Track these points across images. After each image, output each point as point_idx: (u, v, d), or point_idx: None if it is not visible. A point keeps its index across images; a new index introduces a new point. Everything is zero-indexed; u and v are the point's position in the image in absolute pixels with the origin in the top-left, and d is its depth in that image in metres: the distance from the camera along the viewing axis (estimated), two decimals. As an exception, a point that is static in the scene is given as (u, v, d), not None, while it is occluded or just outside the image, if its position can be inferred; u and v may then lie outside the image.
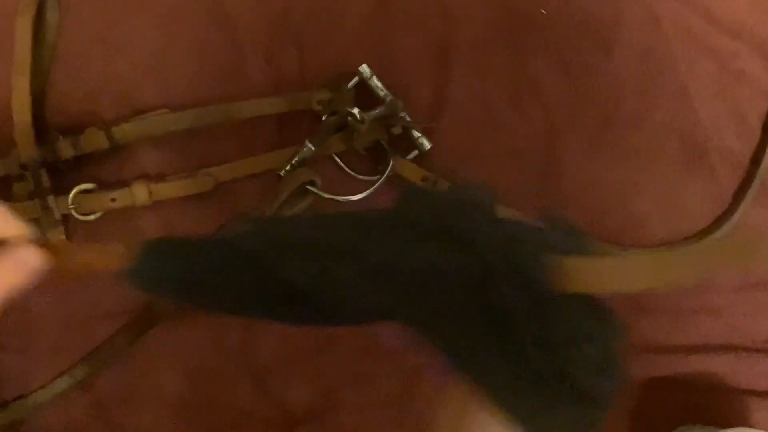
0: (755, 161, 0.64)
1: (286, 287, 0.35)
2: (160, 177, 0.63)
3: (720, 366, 0.63)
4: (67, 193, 0.61)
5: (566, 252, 0.33)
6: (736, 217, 0.64)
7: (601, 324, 0.34)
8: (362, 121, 0.60)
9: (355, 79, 0.63)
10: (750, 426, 0.61)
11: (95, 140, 0.60)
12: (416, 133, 0.63)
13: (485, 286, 0.33)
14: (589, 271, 0.33)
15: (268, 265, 0.35)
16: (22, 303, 0.61)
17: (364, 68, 0.62)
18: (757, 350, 0.64)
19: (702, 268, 0.32)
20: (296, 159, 0.61)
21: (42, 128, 0.61)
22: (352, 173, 0.63)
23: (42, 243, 0.36)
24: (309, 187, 0.61)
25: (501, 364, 0.33)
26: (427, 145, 0.63)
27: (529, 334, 0.32)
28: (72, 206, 0.61)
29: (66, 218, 0.62)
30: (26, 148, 0.59)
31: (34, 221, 0.60)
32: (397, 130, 0.63)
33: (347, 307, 0.36)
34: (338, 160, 0.63)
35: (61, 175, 0.62)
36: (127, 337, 0.61)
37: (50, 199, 0.61)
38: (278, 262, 0.35)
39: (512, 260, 0.33)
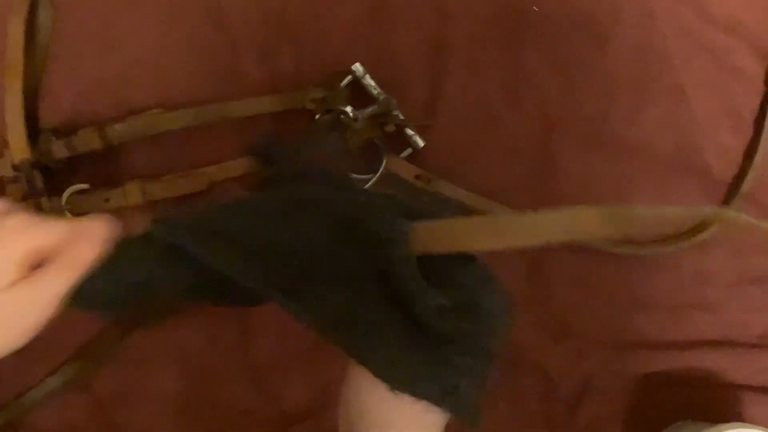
0: (748, 156, 0.64)
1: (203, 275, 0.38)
2: (155, 177, 0.62)
3: (715, 362, 0.64)
4: (61, 194, 0.61)
5: (424, 218, 0.37)
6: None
7: (465, 275, 0.37)
8: (355, 120, 0.60)
9: (349, 78, 0.62)
10: (745, 421, 0.61)
11: (89, 141, 0.60)
12: (410, 131, 0.63)
13: (343, 250, 0.36)
14: (439, 233, 0.37)
15: (186, 258, 0.38)
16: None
17: (357, 67, 0.62)
18: (753, 346, 0.64)
19: (542, 237, 0.36)
20: (290, 158, 0.61)
21: (35, 129, 0.61)
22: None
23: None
24: (303, 186, 0.61)
25: (365, 324, 0.36)
26: (421, 143, 0.63)
27: (384, 293, 0.36)
28: (66, 207, 0.61)
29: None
30: (19, 150, 0.59)
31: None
32: (390, 128, 0.62)
33: (245, 285, 0.37)
34: (333, 158, 0.63)
35: (55, 176, 0.62)
36: (116, 334, 0.61)
37: (44, 200, 0.61)
38: (196, 251, 0.38)
39: (367, 222, 0.37)
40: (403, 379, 0.35)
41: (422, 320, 0.36)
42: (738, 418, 0.62)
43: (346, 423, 0.39)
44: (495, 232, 0.36)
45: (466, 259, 0.38)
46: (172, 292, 0.39)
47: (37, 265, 0.36)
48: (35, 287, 0.36)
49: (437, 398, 0.36)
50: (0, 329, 0.35)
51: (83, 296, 0.37)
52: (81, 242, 0.37)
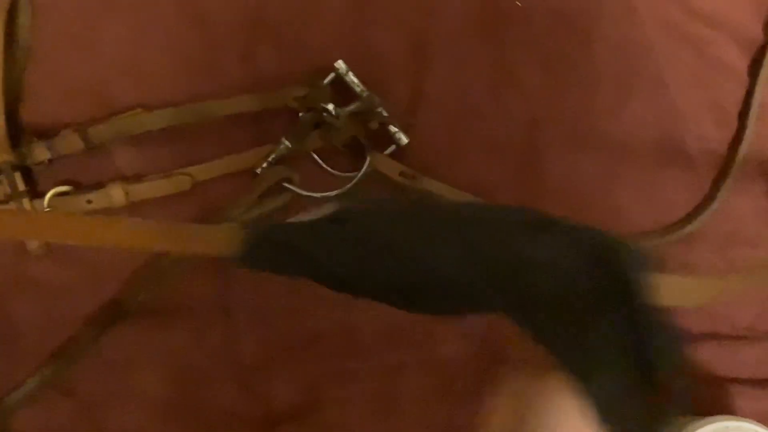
0: (733, 148, 0.64)
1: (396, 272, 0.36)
2: (137, 178, 0.62)
3: (702, 354, 0.64)
4: (43, 196, 0.61)
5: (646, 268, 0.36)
6: (715, 205, 0.64)
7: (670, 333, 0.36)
8: (337, 117, 0.60)
9: (332, 75, 0.62)
10: (732, 414, 0.61)
11: (70, 142, 0.60)
12: (393, 128, 0.63)
13: (585, 283, 0.35)
14: (669, 287, 0.37)
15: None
16: (2, 308, 0.61)
17: (340, 64, 0.62)
18: (739, 338, 0.64)
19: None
20: (273, 156, 0.61)
21: (16, 131, 0.61)
22: (330, 170, 0.63)
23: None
24: (286, 185, 0.61)
25: (588, 353, 0.35)
26: (405, 139, 0.63)
27: (620, 334, 0.34)
28: (48, 209, 0.61)
29: (43, 221, 0.61)
30: (0, 152, 0.59)
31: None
32: (374, 126, 0.62)
33: (453, 294, 0.37)
34: (316, 156, 0.63)
35: (37, 177, 0.61)
36: (91, 333, 0.60)
37: (26, 202, 0.60)
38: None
39: (614, 268, 0.35)
40: (615, 421, 0.34)
41: (651, 372, 0.35)
42: (725, 410, 0.62)
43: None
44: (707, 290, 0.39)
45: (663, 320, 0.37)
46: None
47: None
48: None
49: None
50: None
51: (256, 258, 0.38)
52: None
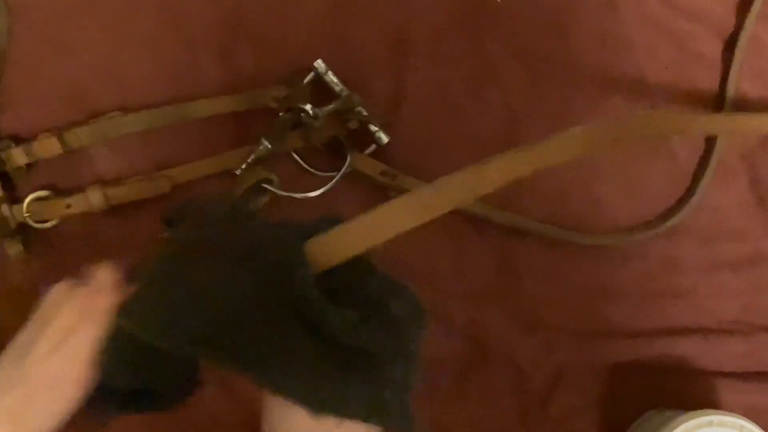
0: (710, 140, 0.64)
1: None
2: (117, 181, 0.62)
3: (687, 348, 0.63)
4: (22, 201, 0.60)
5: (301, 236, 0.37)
6: (696, 198, 0.64)
7: (368, 287, 0.37)
8: (315, 117, 0.60)
9: (311, 75, 0.62)
10: (718, 407, 0.61)
11: (48, 146, 0.60)
12: (374, 127, 0.62)
13: (248, 286, 0.36)
14: (332, 243, 0.37)
15: None
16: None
17: (320, 63, 0.62)
18: (723, 331, 0.64)
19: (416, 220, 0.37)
20: (252, 157, 0.60)
21: (-7, 136, 0.61)
22: (311, 170, 0.63)
23: None
24: (265, 186, 0.60)
25: (278, 353, 0.35)
26: (385, 138, 0.62)
27: (292, 318, 0.35)
28: (27, 214, 0.60)
29: (23, 227, 0.61)
30: (-23, 158, 0.59)
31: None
32: (354, 125, 0.62)
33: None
34: (296, 156, 0.63)
35: (15, 183, 0.61)
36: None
37: (5, 207, 0.60)
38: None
39: (263, 251, 0.36)
40: (325, 402, 0.35)
41: (335, 339, 0.35)
42: (711, 404, 0.62)
43: None
44: (381, 223, 0.37)
45: (367, 271, 0.38)
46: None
47: None
48: (71, 347, 0.40)
49: (363, 415, 0.35)
50: (48, 395, 0.39)
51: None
52: (93, 295, 0.41)
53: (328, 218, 0.39)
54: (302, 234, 0.38)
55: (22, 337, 0.42)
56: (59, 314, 0.41)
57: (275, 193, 0.61)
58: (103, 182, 0.61)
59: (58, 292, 0.43)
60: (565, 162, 0.42)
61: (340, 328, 0.35)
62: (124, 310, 0.39)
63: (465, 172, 0.38)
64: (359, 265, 0.38)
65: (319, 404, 0.34)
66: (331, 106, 0.61)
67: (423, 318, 0.38)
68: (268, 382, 0.35)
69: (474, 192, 0.39)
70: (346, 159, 0.62)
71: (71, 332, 0.40)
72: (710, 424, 0.55)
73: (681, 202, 0.64)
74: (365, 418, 0.35)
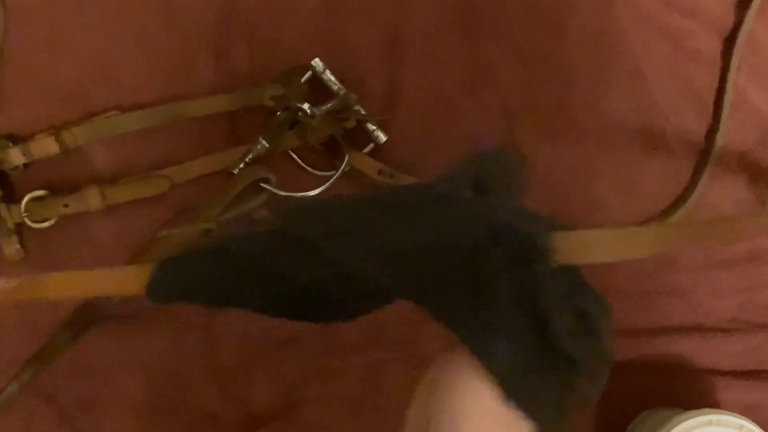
0: (709, 138, 0.64)
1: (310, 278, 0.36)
2: (114, 180, 0.62)
3: (685, 347, 0.63)
4: (20, 201, 0.60)
5: (547, 228, 0.35)
6: (695, 196, 0.63)
7: (584, 296, 0.36)
8: (312, 116, 0.60)
9: (308, 74, 0.62)
10: (716, 406, 0.60)
11: (45, 146, 0.60)
12: (371, 126, 0.62)
13: (481, 259, 0.34)
14: (574, 244, 0.35)
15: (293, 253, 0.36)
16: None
17: (317, 62, 0.62)
18: (722, 330, 0.64)
19: (669, 245, 0.36)
20: (249, 156, 0.60)
21: (-10, 136, 0.61)
22: (309, 169, 0.63)
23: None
24: (263, 185, 0.60)
25: (495, 329, 0.33)
26: (383, 137, 0.62)
27: (519, 304, 0.33)
28: (25, 214, 0.60)
29: (20, 227, 0.61)
30: (-26, 158, 0.59)
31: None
32: (351, 124, 0.62)
33: (363, 289, 0.37)
34: (294, 156, 0.63)
35: (12, 183, 0.61)
36: (67, 335, 0.60)
37: (2, 207, 0.60)
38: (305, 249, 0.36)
39: (505, 235, 0.34)
40: (521, 394, 0.33)
41: (550, 339, 0.34)
42: (709, 402, 0.62)
43: (421, 415, 0.35)
44: (625, 241, 0.36)
45: (577, 278, 0.36)
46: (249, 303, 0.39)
47: None
48: None
49: (547, 421, 0.34)
50: None
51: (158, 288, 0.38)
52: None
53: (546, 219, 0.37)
54: (545, 224, 0.36)
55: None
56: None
57: (273, 193, 0.61)
58: (100, 182, 0.61)
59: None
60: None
61: (561, 331, 0.34)
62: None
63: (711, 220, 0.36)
64: (573, 271, 0.36)
65: (515, 393, 0.33)
66: (329, 105, 0.61)
67: (612, 333, 0.36)
68: (480, 356, 0.33)
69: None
70: (343, 158, 0.62)
71: None
72: (709, 423, 0.55)
73: (679, 200, 0.64)
74: (545, 425, 0.34)
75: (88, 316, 0.60)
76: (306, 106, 0.60)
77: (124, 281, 0.40)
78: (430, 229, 0.35)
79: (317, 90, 0.62)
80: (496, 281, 0.34)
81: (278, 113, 0.61)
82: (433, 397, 0.34)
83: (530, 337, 0.34)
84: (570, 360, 0.34)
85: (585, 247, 0.35)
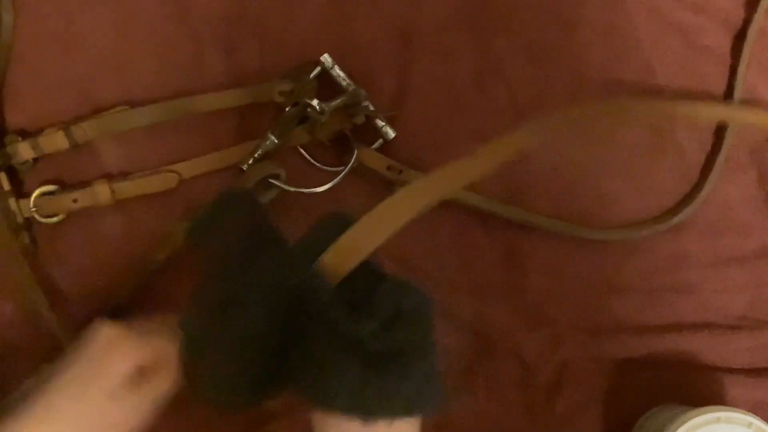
0: (719, 134, 0.64)
1: None
2: (123, 175, 0.62)
3: (694, 344, 0.63)
4: (29, 196, 0.60)
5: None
6: (705, 192, 0.63)
7: (382, 291, 0.40)
8: (322, 112, 0.59)
9: (318, 69, 0.62)
10: (725, 404, 0.61)
11: (55, 141, 0.60)
12: (380, 122, 0.62)
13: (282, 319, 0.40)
14: (341, 252, 0.40)
15: None
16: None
17: (326, 58, 0.62)
18: (731, 327, 0.64)
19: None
20: (259, 152, 0.60)
21: (0, 130, 0.60)
22: (318, 164, 0.63)
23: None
24: (272, 180, 0.60)
25: (322, 372, 0.38)
26: (392, 133, 0.62)
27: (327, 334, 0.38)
28: (34, 209, 0.60)
29: (29, 222, 0.61)
30: (-16, 152, 0.59)
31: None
32: (360, 120, 0.62)
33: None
34: (303, 151, 0.63)
35: (22, 177, 0.61)
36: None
37: (12, 202, 0.60)
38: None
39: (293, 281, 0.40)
40: (371, 408, 0.37)
41: (365, 348, 0.38)
42: (718, 400, 0.62)
43: None
44: (377, 225, 0.40)
45: (375, 275, 0.41)
46: None
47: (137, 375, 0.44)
48: (140, 396, 0.45)
49: (406, 411, 0.38)
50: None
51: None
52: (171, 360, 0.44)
53: (334, 218, 0.42)
54: (312, 247, 0.41)
55: (67, 371, 0.44)
56: (115, 360, 0.44)
57: (282, 188, 0.61)
58: (109, 177, 0.61)
59: (106, 334, 0.45)
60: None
61: (367, 338, 0.38)
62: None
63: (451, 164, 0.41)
64: (367, 271, 0.40)
65: (366, 412, 0.37)
66: (338, 101, 0.60)
67: (431, 308, 0.40)
68: (319, 401, 0.38)
69: (462, 180, 0.42)
70: (352, 154, 0.62)
71: (135, 383, 0.43)
72: (718, 420, 0.55)
73: (689, 197, 0.64)
74: (408, 413, 0.38)
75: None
76: (315, 101, 0.60)
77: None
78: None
79: (326, 86, 0.62)
80: (296, 329, 0.39)
81: (287, 109, 0.61)
82: None
83: (350, 358, 0.38)
84: (393, 353, 0.38)
85: (348, 251, 0.40)
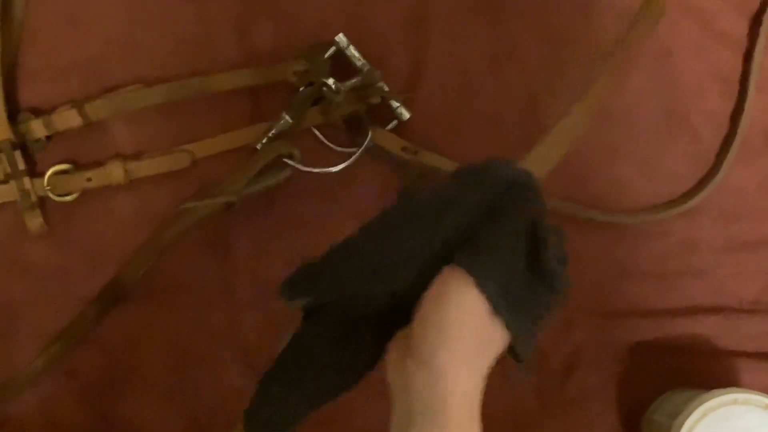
0: (734, 119, 0.64)
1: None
2: (136, 155, 0.62)
3: (707, 328, 0.63)
4: (43, 175, 0.60)
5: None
6: (719, 177, 0.63)
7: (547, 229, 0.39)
8: (337, 92, 0.59)
9: (332, 49, 0.62)
10: (739, 387, 0.60)
11: (67, 118, 0.60)
12: (395, 103, 0.62)
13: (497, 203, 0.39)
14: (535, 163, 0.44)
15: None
16: (1, 291, 0.61)
17: (341, 38, 0.61)
18: (745, 311, 0.63)
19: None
20: (273, 132, 0.60)
21: (13, 109, 0.60)
22: (331, 145, 0.63)
23: None
24: (286, 160, 0.60)
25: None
26: (406, 114, 0.62)
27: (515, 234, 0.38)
28: (48, 187, 0.60)
29: (43, 200, 0.61)
30: (-1, 130, 0.58)
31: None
32: (375, 100, 0.62)
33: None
34: (317, 132, 0.63)
35: (36, 156, 0.61)
36: (95, 312, 0.60)
37: (26, 180, 0.60)
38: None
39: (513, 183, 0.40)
40: (507, 308, 0.36)
41: (544, 263, 0.37)
42: (732, 384, 0.61)
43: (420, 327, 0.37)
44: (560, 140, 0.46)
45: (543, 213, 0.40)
46: None
47: None
48: None
49: (524, 334, 0.37)
50: None
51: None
52: None
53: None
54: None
55: None
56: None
57: (296, 168, 0.60)
58: (123, 156, 0.61)
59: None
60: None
61: (552, 256, 0.37)
62: None
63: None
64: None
65: (502, 307, 0.36)
66: (353, 81, 0.60)
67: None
68: (476, 272, 0.36)
69: None
70: (366, 134, 0.61)
71: None
72: (735, 402, 0.55)
73: (703, 181, 0.64)
74: (521, 338, 0.37)
75: (114, 292, 0.60)
76: (331, 81, 0.59)
77: None
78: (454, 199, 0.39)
79: (340, 66, 0.62)
80: (503, 216, 0.38)
81: (301, 89, 0.61)
82: (421, 315, 0.36)
83: (520, 260, 0.37)
84: (551, 282, 0.37)
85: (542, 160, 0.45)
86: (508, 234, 0.37)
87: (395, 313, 0.39)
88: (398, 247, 0.38)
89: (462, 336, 0.35)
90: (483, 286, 0.35)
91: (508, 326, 0.36)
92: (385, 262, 0.38)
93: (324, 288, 0.40)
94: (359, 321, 0.40)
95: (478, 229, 0.38)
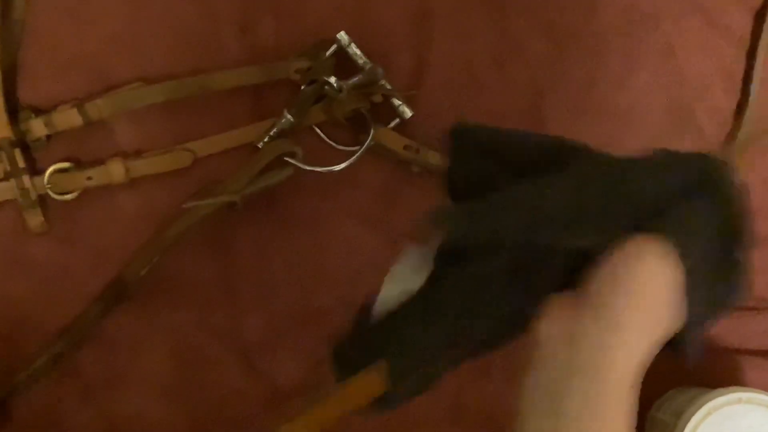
0: (738, 116, 0.63)
1: None
2: (137, 153, 0.61)
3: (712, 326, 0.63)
4: (43, 173, 0.60)
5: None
6: (724, 174, 0.63)
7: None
8: (340, 90, 0.59)
9: (334, 47, 0.61)
10: (743, 385, 0.60)
11: (68, 118, 0.59)
12: (397, 101, 0.62)
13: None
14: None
15: None
16: (2, 288, 0.61)
17: (342, 35, 0.61)
18: (750, 308, 0.63)
19: None
20: (274, 130, 0.60)
21: (13, 107, 0.60)
22: (333, 144, 0.62)
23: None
24: (288, 159, 0.60)
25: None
26: (409, 112, 0.62)
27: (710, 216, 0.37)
28: (48, 186, 0.60)
29: (43, 199, 0.61)
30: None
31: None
32: (377, 99, 0.61)
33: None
34: (318, 130, 0.62)
35: (36, 155, 0.60)
36: (97, 311, 0.60)
37: (26, 179, 0.59)
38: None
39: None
40: (696, 288, 0.35)
41: (737, 249, 0.37)
42: (736, 382, 0.62)
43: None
44: None
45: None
46: None
47: None
48: None
49: (700, 319, 0.37)
50: None
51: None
52: None
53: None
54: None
55: None
56: None
57: (298, 167, 0.60)
58: (123, 155, 0.61)
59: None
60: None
61: (746, 243, 0.37)
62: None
63: None
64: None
65: (693, 286, 0.35)
66: (356, 79, 0.60)
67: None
68: (676, 235, 0.35)
69: None
70: (368, 133, 0.61)
71: None
72: (739, 401, 0.55)
73: (707, 178, 0.63)
74: (696, 323, 0.37)
75: (117, 291, 0.60)
76: (333, 79, 0.59)
77: (367, 389, 0.40)
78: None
79: (342, 64, 0.61)
80: (699, 203, 0.37)
81: (303, 87, 0.61)
82: (610, 273, 0.35)
83: (715, 244, 0.36)
84: (736, 280, 0.37)
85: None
86: (704, 221, 0.37)
87: (558, 271, 0.38)
88: (597, 207, 0.37)
89: (647, 305, 0.35)
90: (684, 261, 0.35)
91: (690, 308, 0.36)
92: (582, 219, 0.37)
93: (505, 228, 0.38)
94: (532, 270, 0.39)
95: (671, 211, 0.37)
